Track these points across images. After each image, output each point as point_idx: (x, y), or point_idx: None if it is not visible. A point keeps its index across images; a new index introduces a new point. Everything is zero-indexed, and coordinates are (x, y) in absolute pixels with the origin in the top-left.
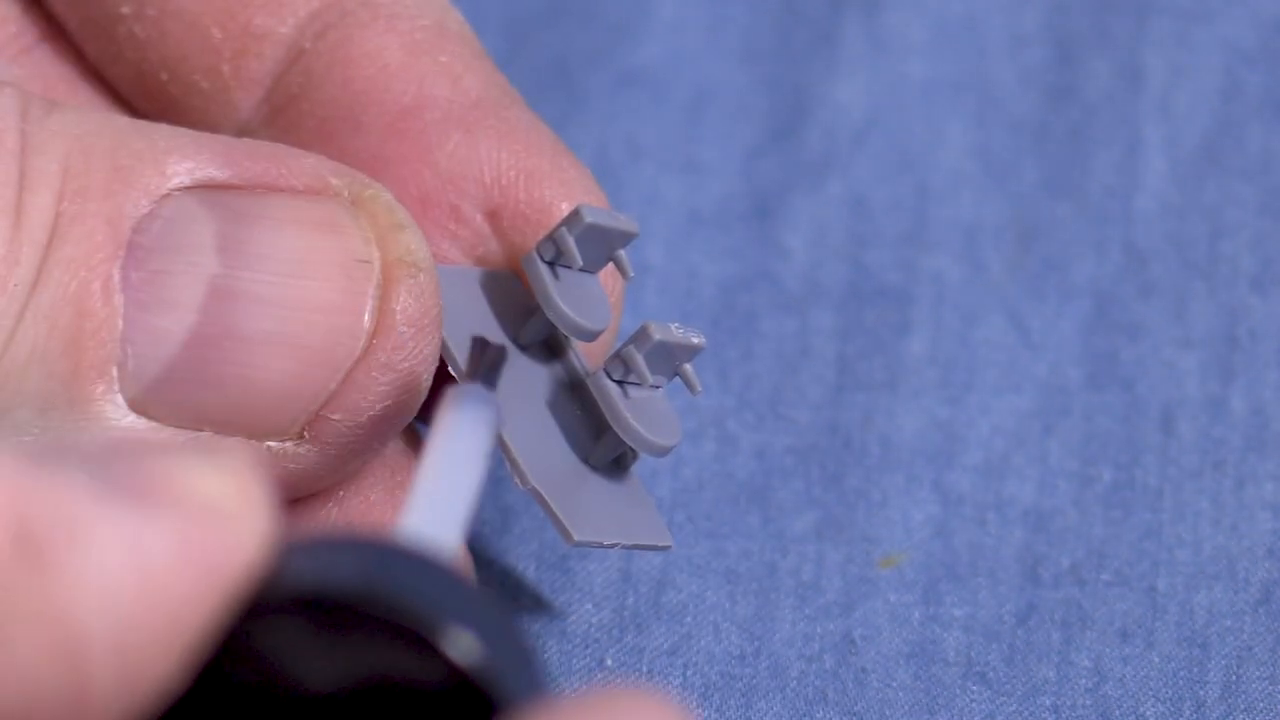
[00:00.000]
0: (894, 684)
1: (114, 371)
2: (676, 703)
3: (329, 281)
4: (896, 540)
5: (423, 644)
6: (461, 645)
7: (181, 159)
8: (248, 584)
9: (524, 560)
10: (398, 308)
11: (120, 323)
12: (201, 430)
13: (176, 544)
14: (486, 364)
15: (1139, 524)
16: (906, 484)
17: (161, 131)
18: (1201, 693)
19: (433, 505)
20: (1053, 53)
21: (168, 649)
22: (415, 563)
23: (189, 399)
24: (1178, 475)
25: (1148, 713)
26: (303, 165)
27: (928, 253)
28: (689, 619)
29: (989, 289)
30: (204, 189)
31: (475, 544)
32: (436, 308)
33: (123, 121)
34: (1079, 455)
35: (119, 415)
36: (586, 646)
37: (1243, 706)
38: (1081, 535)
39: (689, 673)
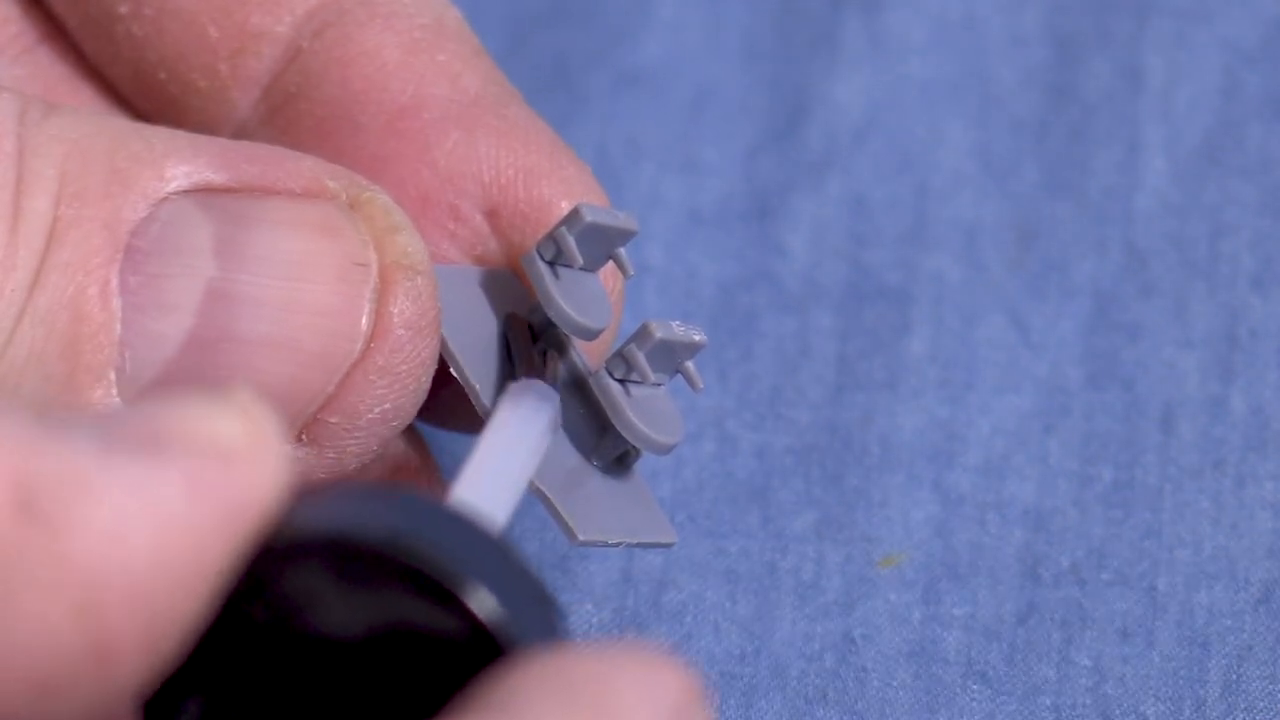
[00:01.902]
0: (894, 683)
1: (111, 375)
2: (689, 674)
3: (326, 285)
4: (896, 540)
5: (444, 595)
6: (483, 601)
7: (179, 162)
8: (265, 523)
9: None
10: (395, 310)
11: (118, 327)
12: None
13: (187, 488)
14: (553, 367)
15: (1139, 523)
16: (906, 483)
17: (160, 134)
18: (1202, 692)
19: (483, 483)
20: (1053, 53)
21: (187, 594)
22: (442, 516)
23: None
24: (1178, 475)
25: (1148, 712)
26: (300, 168)
27: (928, 252)
28: (689, 619)
29: (989, 288)
30: (201, 192)
31: None
32: (435, 310)
33: (121, 124)
34: (1079, 455)
35: None
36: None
37: (1243, 706)
38: (1082, 535)
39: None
